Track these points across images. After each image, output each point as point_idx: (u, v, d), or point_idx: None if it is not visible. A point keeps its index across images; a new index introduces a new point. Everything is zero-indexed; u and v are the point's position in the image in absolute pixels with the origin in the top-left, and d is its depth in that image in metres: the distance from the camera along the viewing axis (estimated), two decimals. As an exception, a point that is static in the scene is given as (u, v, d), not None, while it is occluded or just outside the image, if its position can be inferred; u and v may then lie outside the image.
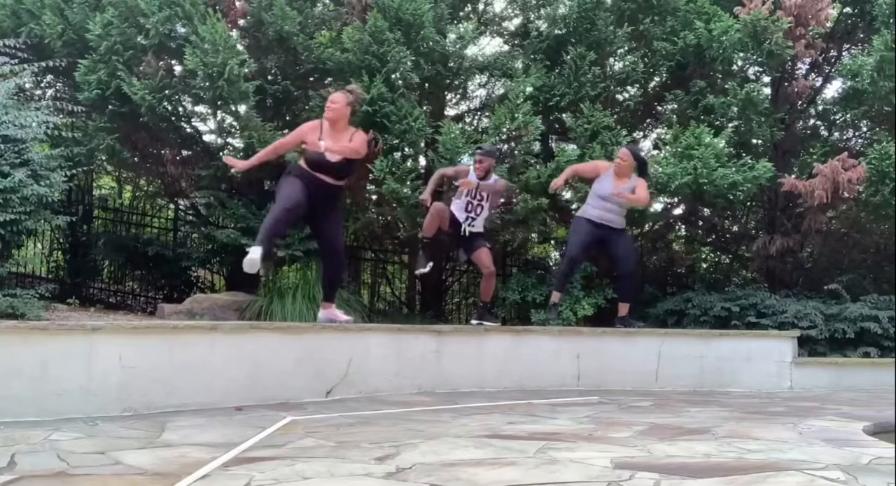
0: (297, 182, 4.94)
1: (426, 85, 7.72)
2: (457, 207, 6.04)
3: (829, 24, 7.86)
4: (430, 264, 6.08)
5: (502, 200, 6.61)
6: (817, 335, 6.87)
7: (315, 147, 4.87)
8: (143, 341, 3.96)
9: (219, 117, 7.51)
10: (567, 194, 7.79)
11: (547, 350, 5.83)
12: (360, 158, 5.11)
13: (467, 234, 6.01)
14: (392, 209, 7.50)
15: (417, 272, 6.27)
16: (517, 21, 8.52)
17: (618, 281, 6.71)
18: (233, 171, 4.91)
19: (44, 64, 6.79)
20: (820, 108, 8.78)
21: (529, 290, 7.49)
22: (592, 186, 6.35)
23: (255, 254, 4.65)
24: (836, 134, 8.82)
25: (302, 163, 5.06)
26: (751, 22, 7.20)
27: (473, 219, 6.02)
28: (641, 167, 6.31)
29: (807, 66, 8.42)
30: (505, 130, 7.08)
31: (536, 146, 7.36)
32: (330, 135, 4.95)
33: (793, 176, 7.47)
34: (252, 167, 5.35)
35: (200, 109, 7.80)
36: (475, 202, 6.00)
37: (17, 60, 6.75)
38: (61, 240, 8.61)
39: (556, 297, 6.42)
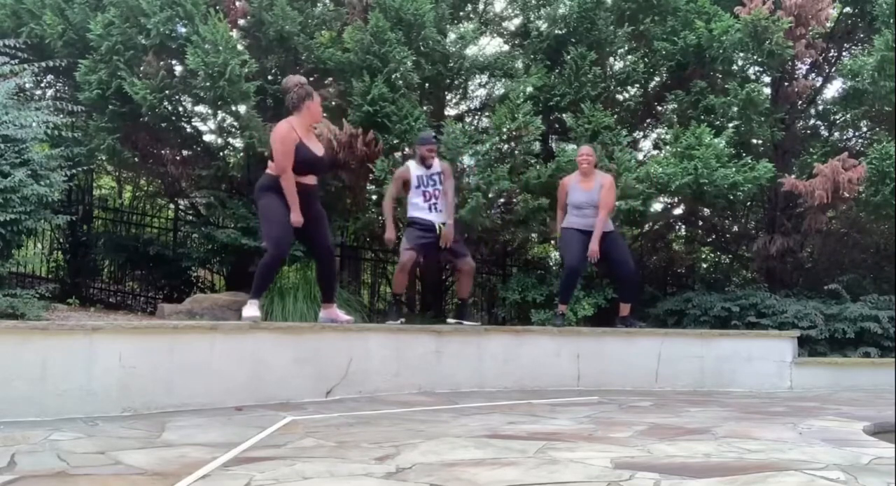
0: (278, 201, 4.73)
1: (427, 85, 7.72)
2: (415, 205, 5.90)
3: (829, 24, 7.87)
4: (402, 320, 5.84)
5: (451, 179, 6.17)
6: (817, 335, 6.87)
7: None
8: (143, 341, 3.96)
9: (219, 117, 7.51)
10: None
11: (547, 350, 5.83)
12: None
13: (442, 224, 5.80)
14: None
15: (387, 324, 5.74)
16: (517, 21, 8.53)
17: (618, 283, 6.68)
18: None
19: (44, 64, 6.77)
20: (820, 108, 8.77)
21: (529, 290, 7.48)
22: (568, 200, 6.32)
23: (253, 311, 4.61)
24: (836, 134, 8.82)
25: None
26: (751, 22, 7.20)
27: (436, 203, 5.88)
28: None
29: (807, 67, 8.42)
30: (505, 130, 7.07)
31: (537, 146, 7.36)
32: (306, 137, 4.89)
33: (793, 176, 7.46)
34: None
35: (201, 108, 7.80)
36: (430, 190, 5.88)
37: (17, 60, 6.74)
38: (61, 240, 8.61)
39: (562, 308, 6.39)
